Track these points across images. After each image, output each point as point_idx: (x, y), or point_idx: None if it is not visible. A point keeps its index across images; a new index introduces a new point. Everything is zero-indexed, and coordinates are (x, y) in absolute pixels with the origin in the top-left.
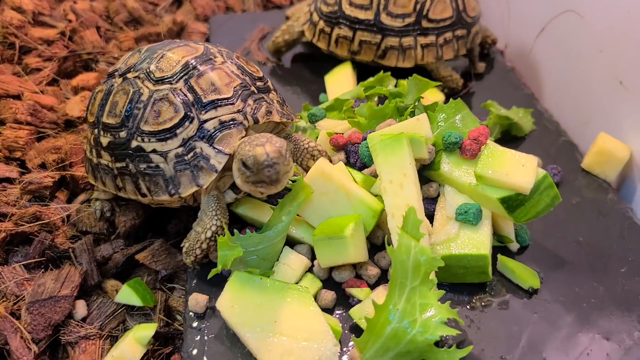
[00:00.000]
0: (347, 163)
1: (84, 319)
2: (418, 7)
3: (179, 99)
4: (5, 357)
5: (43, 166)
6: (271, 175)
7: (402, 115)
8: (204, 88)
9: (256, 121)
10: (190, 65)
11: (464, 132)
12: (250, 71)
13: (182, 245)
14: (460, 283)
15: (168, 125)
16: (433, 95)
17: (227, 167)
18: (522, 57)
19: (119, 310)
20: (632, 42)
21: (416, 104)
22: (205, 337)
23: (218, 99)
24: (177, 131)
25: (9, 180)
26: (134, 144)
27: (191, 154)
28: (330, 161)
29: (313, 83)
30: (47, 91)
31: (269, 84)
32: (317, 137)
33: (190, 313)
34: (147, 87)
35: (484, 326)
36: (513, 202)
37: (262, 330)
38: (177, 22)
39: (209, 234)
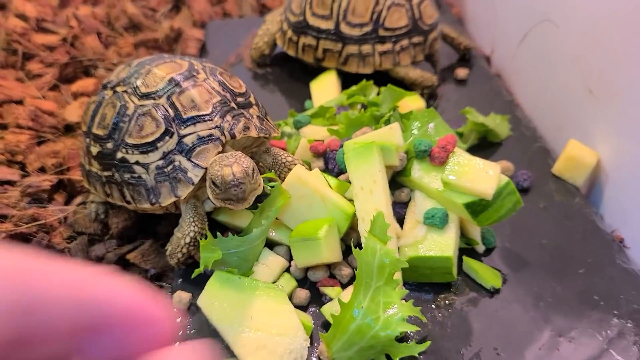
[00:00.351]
0: (326, 169)
1: None
2: (375, 16)
3: (160, 115)
4: None
5: (42, 170)
6: (238, 194)
7: (378, 123)
8: (184, 104)
9: (233, 136)
10: (174, 82)
11: (434, 141)
12: (231, 87)
13: (165, 248)
14: (426, 282)
15: (150, 139)
16: (414, 102)
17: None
18: (506, 63)
19: None
20: (600, 53)
21: (392, 112)
22: (188, 332)
23: (197, 115)
24: (158, 145)
25: (10, 183)
26: (119, 155)
27: (170, 166)
28: (310, 169)
29: (300, 89)
30: (48, 96)
31: (251, 98)
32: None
33: (175, 309)
34: (132, 101)
35: (446, 324)
36: (477, 207)
37: (238, 325)
38: (175, 28)
39: (187, 240)
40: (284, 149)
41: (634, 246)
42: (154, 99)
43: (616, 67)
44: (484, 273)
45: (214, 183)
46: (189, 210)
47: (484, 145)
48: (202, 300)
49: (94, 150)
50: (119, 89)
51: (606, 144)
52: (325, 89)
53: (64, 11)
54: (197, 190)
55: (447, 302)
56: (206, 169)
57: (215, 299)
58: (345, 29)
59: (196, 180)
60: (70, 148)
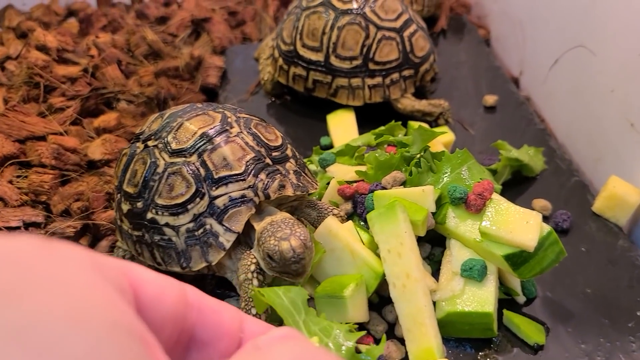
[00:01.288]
0: (354, 213)
1: None
2: (365, 50)
3: (191, 174)
4: None
5: (67, 212)
6: (298, 270)
7: (409, 165)
8: (216, 163)
9: (267, 197)
10: (205, 138)
11: (469, 186)
12: (267, 140)
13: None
14: (465, 338)
15: (180, 201)
16: (444, 136)
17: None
18: (537, 86)
19: None
20: None
21: (423, 153)
22: None
23: (229, 175)
24: (189, 206)
25: (36, 225)
26: (149, 215)
27: (201, 229)
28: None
29: (316, 120)
30: (70, 131)
31: (288, 150)
32: (327, 183)
33: None
34: (163, 158)
35: None
36: (517, 259)
37: None
38: (195, 56)
39: (255, 283)
40: None
41: None
42: (185, 156)
43: None
44: (526, 328)
45: (270, 257)
46: (239, 254)
47: (518, 180)
48: None
49: (124, 207)
50: (150, 143)
51: None
52: (343, 125)
53: (84, 39)
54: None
55: (488, 359)
56: (238, 233)
57: None
58: (335, 61)
59: (228, 245)
60: (94, 189)
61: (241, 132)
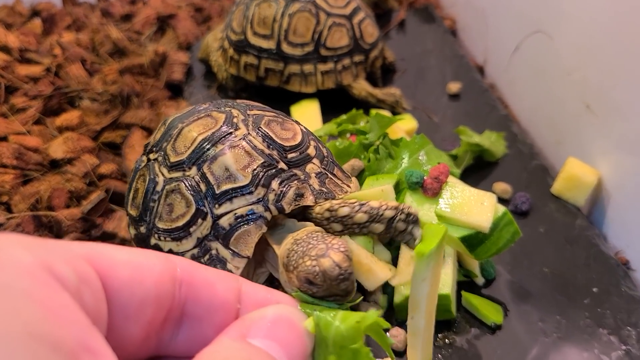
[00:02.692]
0: None
1: None
2: (316, 36)
3: (190, 192)
4: None
5: (27, 209)
6: (348, 287)
7: (367, 151)
8: (217, 175)
9: (281, 210)
10: (205, 146)
11: (426, 171)
12: (281, 140)
13: None
14: None
15: (181, 223)
16: (406, 123)
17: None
18: (500, 74)
19: None
20: (598, 67)
21: (382, 140)
22: None
23: (233, 189)
24: (191, 229)
25: None
26: (152, 241)
27: (207, 256)
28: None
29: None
30: (33, 131)
31: (310, 149)
32: None
33: None
34: (162, 174)
35: None
36: (473, 241)
37: None
38: (160, 52)
39: None
40: None
41: None
42: (184, 170)
43: (614, 81)
44: (484, 309)
45: (310, 282)
46: (259, 277)
47: (480, 165)
48: None
49: (132, 231)
50: (151, 156)
51: (606, 161)
52: (307, 115)
53: (47, 39)
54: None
55: (447, 341)
56: (248, 257)
57: None
58: (286, 48)
59: (237, 272)
60: (55, 187)
61: (248, 133)
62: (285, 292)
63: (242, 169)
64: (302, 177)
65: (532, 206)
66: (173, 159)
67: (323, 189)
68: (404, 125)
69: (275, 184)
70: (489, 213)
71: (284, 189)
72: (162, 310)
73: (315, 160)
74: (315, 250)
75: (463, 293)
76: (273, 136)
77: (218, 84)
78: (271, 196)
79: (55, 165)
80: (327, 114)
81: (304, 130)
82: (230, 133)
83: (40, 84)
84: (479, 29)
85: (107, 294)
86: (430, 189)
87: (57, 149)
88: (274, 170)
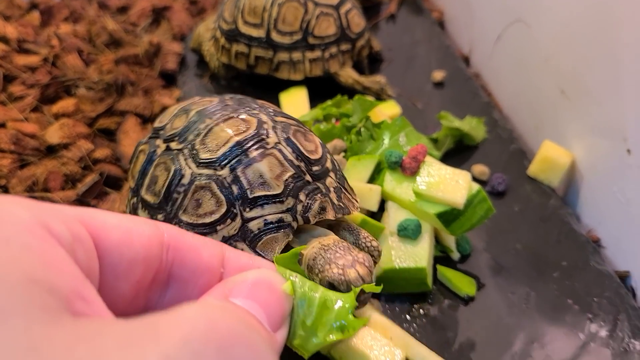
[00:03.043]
0: None
1: None
2: (304, 25)
3: (222, 191)
4: None
5: (24, 192)
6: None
7: (349, 133)
8: (251, 180)
9: (307, 221)
10: (239, 149)
11: (405, 152)
12: (306, 153)
13: None
14: (402, 293)
15: (208, 220)
16: (390, 109)
17: None
18: (484, 63)
19: None
20: (571, 53)
21: (365, 122)
22: None
23: (266, 196)
24: (218, 228)
25: None
26: None
27: None
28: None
29: (271, 99)
30: (30, 118)
31: (328, 163)
32: None
33: None
34: (189, 167)
35: (421, 333)
36: (448, 217)
37: None
38: (154, 43)
39: None
40: None
41: (610, 246)
42: (215, 168)
43: (586, 67)
44: (458, 281)
45: (333, 285)
46: None
47: (461, 149)
48: None
49: (142, 215)
50: (173, 145)
51: (580, 144)
52: (295, 102)
53: (45, 30)
54: None
55: (422, 311)
56: (273, 261)
57: None
58: (276, 37)
59: None
60: (51, 171)
61: (279, 142)
62: None
63: (275, 178)
64: (324, 190)
65: (509, 187)
66: (203, 155)
67: (341, 204)
68: (388, 111)
69: (302, 196)
70: (464, 190)
71: (310, 201)
72: (150, 271)
73: (332, 174)
74: (343, 260)
75: (438, 267)
76: (300, 148)
77: (210, 73)
78: (299, 207)
79: (51, 151)
80: (315, 101)
81: (321, 142)
82: (263, 140)
83: (37, 73)
84: (465, 20)
85: (99, 254)
86: (409, 168)
87: (54, 135)
88: (301, 182)
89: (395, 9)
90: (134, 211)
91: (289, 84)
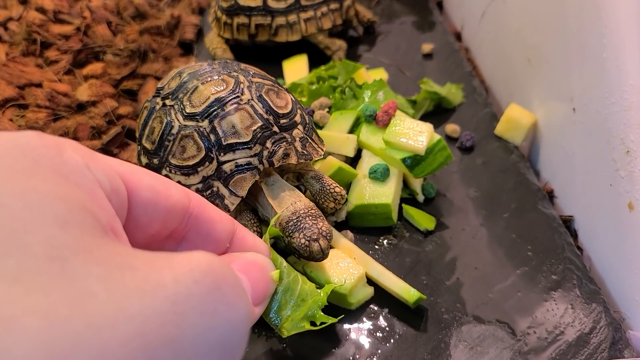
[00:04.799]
0: None
1: None
2: None
3: (202, 139)
4: None
5: None
6: (323, 259)
7: (335, 92)
8: (225, 130)
9: (271, 165)
10: (217, 104)
11: (379, 107)
12: (276, 108)
13: None
14: (371, 227)
15: (191, 163)
16: (379, 75)
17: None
18: (472, 38)
19: None
20: (536, 26)
21: (349, 83)
22: None
23: (237, 143)
24: (199, 169)
25: None
26: (163, 172)
27: (209, 191)
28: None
29: (274, 66)
30: (63, 79)
31: (296, 117)
32: None
33: None
34: (178, 120)
35: (384, 259)
36: (412, 162)
37: None
38: (175, 16)
39: None
40: None
41: (560, 196)
42: (197, 120)
43: (547, 39)
44: (420, 218)
45: (298, 251)
46: (244, 221)
47: (438, 112)
48: None
49: (143, 160)
50: (167, 102)
51: (540, 106)
52: (296, 68)
53: (78, 3)
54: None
55: (386, 242)
56: (242, 197)
57: None
58: (272, 3)
59: (232, 208)
60: (80, 123)
61: (251, 99)
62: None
63: (245, 128)
64: (289, 139)
65: (476, 144)
66: (189, 110)
67: (304, 151)
68: (376, 77)
69: (269, 143)
70: (426, 139)
71: (275, 148)
72: (167, 229)
73: (299, 126)
74: (310, 232)
75: (403, 205)
76: (270, 103)
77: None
78: (265, 153)
79: (81, 107)
80: (313, 68)
81: (294, 99)
82: (238, 96)
83: (70, 40)
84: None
85: (127, 206)
86: (381, 121)
87: (83, 93)
88: (269, 132)
89: None
90: (138, 156)
91: (289, 55)
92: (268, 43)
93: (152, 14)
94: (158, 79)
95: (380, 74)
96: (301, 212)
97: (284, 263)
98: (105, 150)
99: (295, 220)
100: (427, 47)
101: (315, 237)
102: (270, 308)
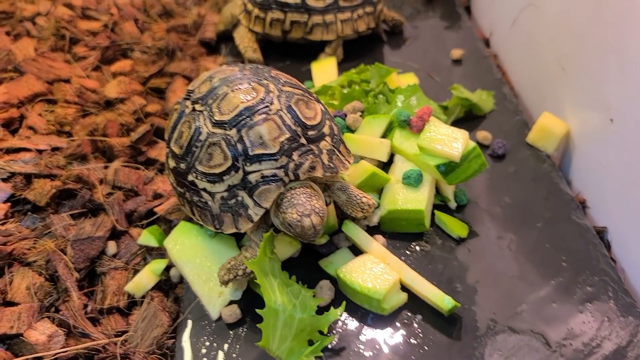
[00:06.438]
0: None
1: (114, 255)
2: None
3: (229, 148)
4: (55, 281)
5: (86, 136)
6: (315, 237)
7: (367, 96)
8: (252, 140)
9: (297, 177)
10: (245, 113)
11: (414, 113)
12: (304, 119)
13: (227, 261)
14: (403, 233)
15: (217, 171)
16: (409, 79)
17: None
18: (502, 44)
19: (141, 250)
20: (571, 34)
21: (382, 87)
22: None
23: (263, 154)
24: (224, 177)
25: (59, 149)
26: (190, 177)
27: (234, 200)
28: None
29: (303, 66)
30: (91, 76)
31: (325, 128)
32: None
33: None
34: (206, 126)
35: (416, 265)
36: (446, 168)
37: (194, 260)
38: (201, 15)
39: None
40: None
41: (593, 206)
42: (225, 129)
43: (583, 46)
44: (452, 225)
45: (290, 226)
46: (259, 236)
47: (469, 118)
48: (167, 242)
49: (171, 163)
50: (197, 107)
51: (574, 115)
52: (325, 71)
53: (105, 0)
54: (266, 218)
55: (418, 248)
56: (266, 209)
57: (178, 242)
58: (311, 2)
59: (256, 218)
60: (109, 119)
61: (280, 109)
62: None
63: (273, 139)
64: (317, 152)
65: (508, 151)
66: (217, 117)
67: (331, 164)
68: (407, 82)
69: (295, 155)
70: (460, 146)
71: (302, 160)
72: None
73: (327, 138)
74: (302, 208)
75: (436, 212)
76: (299, 114)
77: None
78: (291, 165)
79: (109, 104)
80: (341, 70)
81: (323, 109)
82: (267, 107)
83: (98, 37)
84: (488, 5)
85: None
86: (415, 126)
87: (112, 90)
88: (296, 144)
89: None
90: (166, 158)
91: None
92: (300, 41)
93: (178, 13)
94: (186, 77)
95: (411, 78)
96: (296, 189)
97: (279, 301)
98: (134, 147)
99: (289, 197)
100: (456, 53)
101: (307, 212)
102: (273, 343)
